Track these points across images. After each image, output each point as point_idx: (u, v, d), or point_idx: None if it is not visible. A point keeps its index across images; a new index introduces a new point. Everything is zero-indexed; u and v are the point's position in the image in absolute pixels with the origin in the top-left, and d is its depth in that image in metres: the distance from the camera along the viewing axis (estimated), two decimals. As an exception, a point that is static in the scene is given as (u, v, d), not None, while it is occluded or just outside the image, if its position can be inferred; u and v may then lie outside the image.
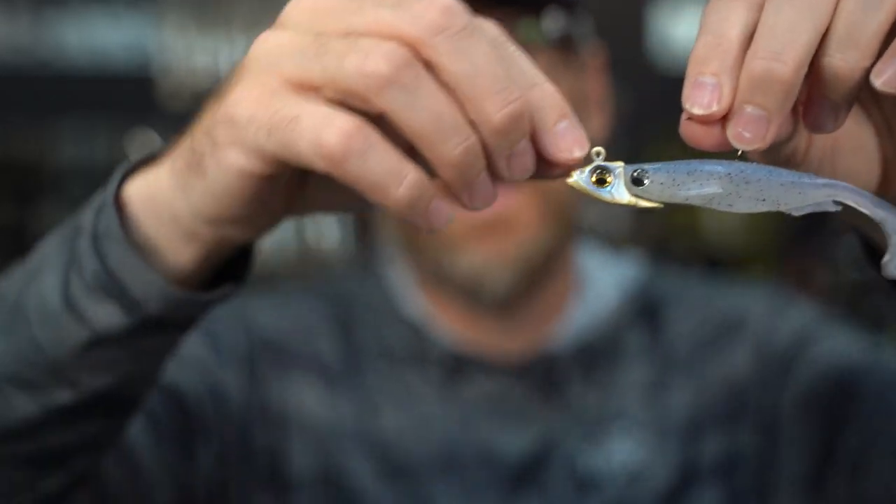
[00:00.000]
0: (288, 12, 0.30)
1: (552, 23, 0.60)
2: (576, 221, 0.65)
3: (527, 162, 0.30)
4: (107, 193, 0.35)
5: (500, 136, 0.28)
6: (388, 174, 0.27)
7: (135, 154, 0.37)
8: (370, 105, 0.28)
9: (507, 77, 0.28)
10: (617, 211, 2.64)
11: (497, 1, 0.48)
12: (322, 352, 0.65)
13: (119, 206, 0.35)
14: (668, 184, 0.30)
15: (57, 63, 3.53)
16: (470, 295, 0.61)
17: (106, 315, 0.34)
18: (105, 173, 0.41)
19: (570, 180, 0.31)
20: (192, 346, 0.61)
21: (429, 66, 0.28)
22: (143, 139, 2.85)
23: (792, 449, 0.62)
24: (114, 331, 0.34)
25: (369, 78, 0.27)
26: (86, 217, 0.35)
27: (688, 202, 0.31)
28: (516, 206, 0.59)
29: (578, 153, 0.30)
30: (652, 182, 0.30)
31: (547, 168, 0.31)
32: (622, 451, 0.62)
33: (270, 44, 0.30)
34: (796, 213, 0.30)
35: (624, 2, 3.70)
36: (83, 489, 0.44)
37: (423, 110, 0.27)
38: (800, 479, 0.62)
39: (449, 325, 0.64)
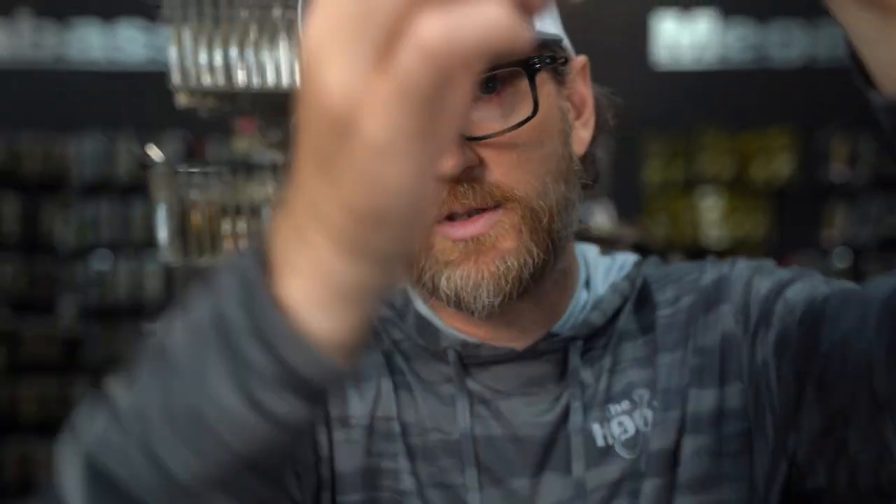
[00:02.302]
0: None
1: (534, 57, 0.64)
2: (565, 232, 0.69)
3: None
4: (258, 298, 0.35)
5: None
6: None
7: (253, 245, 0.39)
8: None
9: None
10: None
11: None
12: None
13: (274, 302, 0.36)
14: None
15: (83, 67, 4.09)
16: (461, 307, 0.67)
17: (290, 406, 0.36)
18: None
19: None
20: None
21: None
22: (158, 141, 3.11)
23: (772, 391, 0.68)
24: (296, 416, 0.36)
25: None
26: (234, 315, 0.36)
27: None
28: (494, 230, 0.64)
29: None
30: None
31: None
32: (625, 422, 0.69)
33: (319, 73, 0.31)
34: None
35: (629, 8, 4.10)
36: None
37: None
38: (781, 415, 0.67)
39: (455, 325, 0.70)
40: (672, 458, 0.67)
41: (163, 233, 2.29)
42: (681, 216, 4.26)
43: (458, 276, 0.63)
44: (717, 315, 0.71)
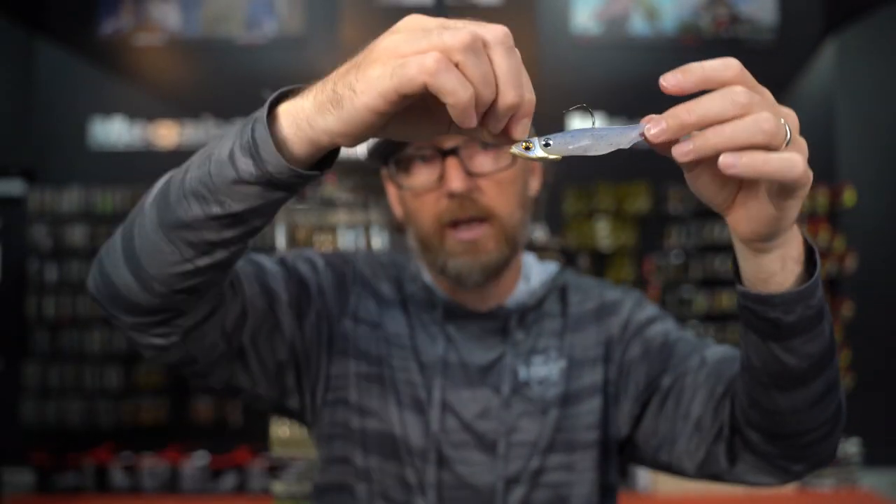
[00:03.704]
0: (398, 25, 0.44)
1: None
2: (521, 241, 0.82)
3: (501, 126, 0.43)
4: (267, 100, 0.49)
5: (505, 106, 0.42)
6: (460, 84, 0.41)
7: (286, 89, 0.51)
8: (453, 58, 0.41)
9: (520, 80, 0.43)
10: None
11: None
12: (383, 290, 0.88)
13: (272, 111, 0.49)
14: (561, 143, 0.44)
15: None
16: (458, 283, 0.80)
17: (246, 165, 0.49)
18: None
19: (511, 150, 0.45)
20: (326, 268, 0.85)
21: (489, 55, 0.42)
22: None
23: (634, 379, 0.83)
24: (247, 176, 0.49)
25: (458, 42, 0.41)
26: (258, 112, 0.50)
27: (574, 153, 0.44)
28: (483, 235, 0.77)
29: (521, 136, 0.44)
30: (553, 143, 0.44)
31: (502, 135, 0.44)
32: (540, 369, 0.83)
33: (390, 39, 0.43)
34: (626, 147, 0.44)
35: (553, 111, 4.14)
36: (222, 278, 0.60)
37: (479, 69, 0.41)
38: (635, 395, 0.82)
39: (445, 292, 0.84)
40: (567, 398, 0.83)
41: (280, 241, 3.50)
42: (586, 232, 4.84)
43: (461, 264, 0.78)
44: (609, 322, 0.87)
